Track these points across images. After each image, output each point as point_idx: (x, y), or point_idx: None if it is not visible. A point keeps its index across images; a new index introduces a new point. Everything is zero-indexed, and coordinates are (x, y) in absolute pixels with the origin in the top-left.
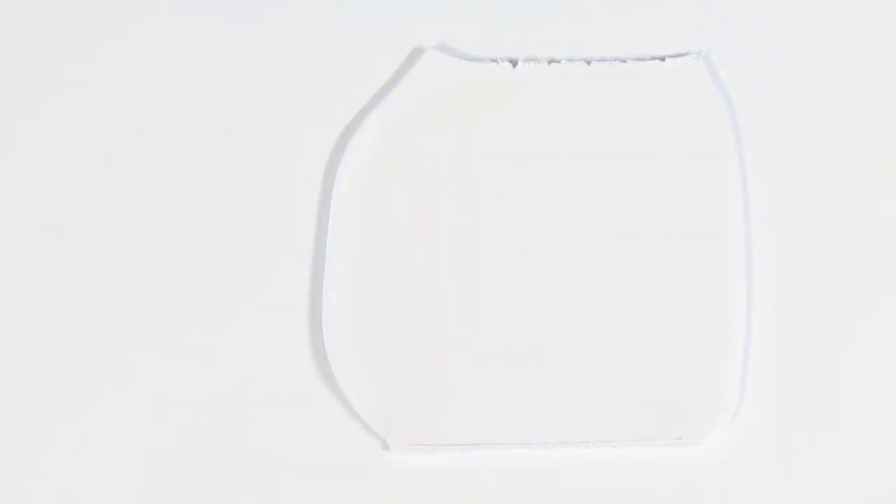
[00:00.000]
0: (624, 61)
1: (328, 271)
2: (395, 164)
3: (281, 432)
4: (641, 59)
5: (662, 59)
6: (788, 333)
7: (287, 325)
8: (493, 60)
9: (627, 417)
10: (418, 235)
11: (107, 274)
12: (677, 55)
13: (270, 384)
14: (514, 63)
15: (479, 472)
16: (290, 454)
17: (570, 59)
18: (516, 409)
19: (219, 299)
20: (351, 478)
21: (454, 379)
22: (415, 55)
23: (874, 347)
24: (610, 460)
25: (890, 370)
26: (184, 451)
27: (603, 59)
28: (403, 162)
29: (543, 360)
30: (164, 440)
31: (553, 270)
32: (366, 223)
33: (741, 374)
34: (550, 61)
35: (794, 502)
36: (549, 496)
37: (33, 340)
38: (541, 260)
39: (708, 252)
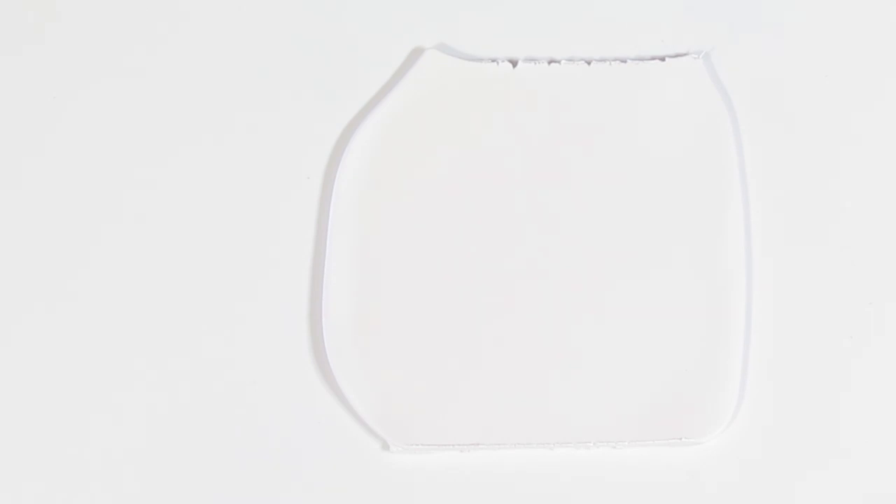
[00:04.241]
0: (624, 61)
1: (328, 271)
2: (395, 164)
3: (281, 432)
4: (641, 59)
5: (662, 59)
6: (788, 334)
7: (287, 325)
8: (493, 60)
9: (628, 418)
10: (418, 235)
11: (108, 274)
12: (677, 55)
13: (271, 384)
14: (514, 63)
15: (479, 472)
16: (290, 454)
17: (570, 59)
18: (516, 409)
19: (219, 299)
20: (351, 478)
21: (454, 379)
22: (415, 55)
23: (874, 348)
24: (610, 461)
25: (890, 370)
26: (184, 451)
27: (603, 59)
28: (403, 162)
29: (544, 360)
30: (165, 440)
31: (553, 271)
32: (366, 223)
33: (741, 375)
34: (550, 61)
35: (794, 502)
36: (549, 496)
37: (35, 339)
38: (541, 260)
39: (708, 252)
